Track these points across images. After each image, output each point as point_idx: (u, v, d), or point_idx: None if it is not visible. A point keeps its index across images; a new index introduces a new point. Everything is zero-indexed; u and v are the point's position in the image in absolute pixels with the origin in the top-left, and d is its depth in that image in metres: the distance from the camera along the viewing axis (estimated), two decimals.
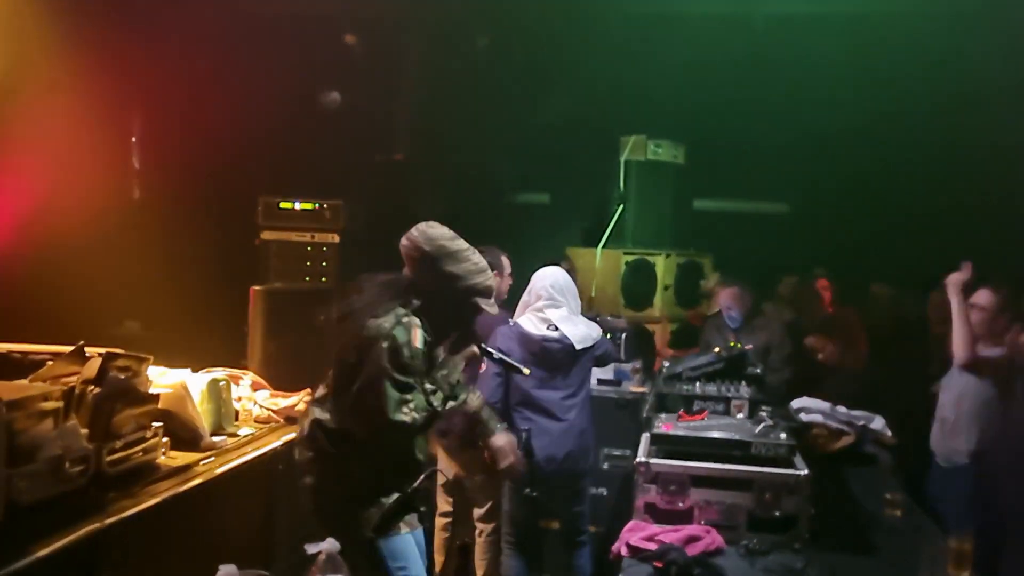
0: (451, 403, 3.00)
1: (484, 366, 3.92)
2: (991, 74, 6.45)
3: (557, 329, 4.18)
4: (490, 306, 3.04)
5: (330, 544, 1.78)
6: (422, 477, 2.53)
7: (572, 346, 4.18)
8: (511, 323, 4.24)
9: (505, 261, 4.71)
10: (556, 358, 4.19)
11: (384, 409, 2.80)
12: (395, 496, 2.92)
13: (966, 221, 6.90)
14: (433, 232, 2.97)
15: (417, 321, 2.89)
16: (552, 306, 4.23)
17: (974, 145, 6.90)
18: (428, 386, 2.93)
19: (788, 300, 7.03)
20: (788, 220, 8.32)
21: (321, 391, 3.08)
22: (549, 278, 4.32)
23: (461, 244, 2.99)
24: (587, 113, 7.47)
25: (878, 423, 4.40)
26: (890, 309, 6.53)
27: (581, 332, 4.24)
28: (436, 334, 2.99)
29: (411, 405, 2.84)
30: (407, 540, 2.96)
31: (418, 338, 2.85)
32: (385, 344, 2.80)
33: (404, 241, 3.00)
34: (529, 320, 4.23)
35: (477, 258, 3.00)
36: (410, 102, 7.12)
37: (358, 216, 5.61)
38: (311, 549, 1.77)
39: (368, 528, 2.86)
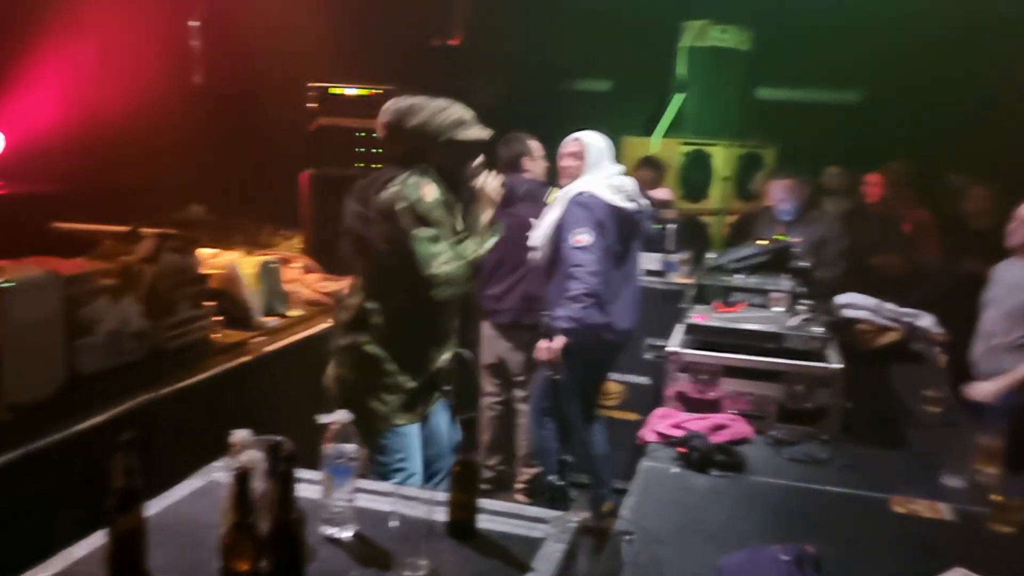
0: (483, 248, 3.06)
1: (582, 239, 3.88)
2: None
3: (634, 200, 4.16)
4: (476, 132, 3.08)
5: (342, 415, 1.87)
6: (447, 357, 2.57)
7: (647, 214, 4.28)
8: (585, 193, 4.09)
9: (533, 145, 4.72)
10: (638, 227, 4.21)
11: (419, 266, 2.86)
12: (420, 380, 3.00)
13: None
14: (388, 105, 3.06)
15: (425, 179, 2.93)
16: (622, 173, 4.20)
17: None
18: (455, 239, 3.00)
19: (838, 191, 6.82)
20: (857, 111, 8.00)
21: (350, 285, 3.16)
22: (604, 142, 4.27)
23: (416, 99, 3.03)
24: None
25: (927, 320, 4.34)
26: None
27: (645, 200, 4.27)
28: (450, 187, 3.04)
29: (443, 258, 2.88)
30: (406, 432, 3.06)
31: (430, 192, 2.90)
32: (399, 207, 2.86)
33: (377, 125, 3.10)
34: (607, 188, 4.09)
35: (437, 102, 3.03)
36: None
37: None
38: (324, 419, 1.87)
39: (385, 418, 2.99)
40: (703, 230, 6.75)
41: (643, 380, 5.04)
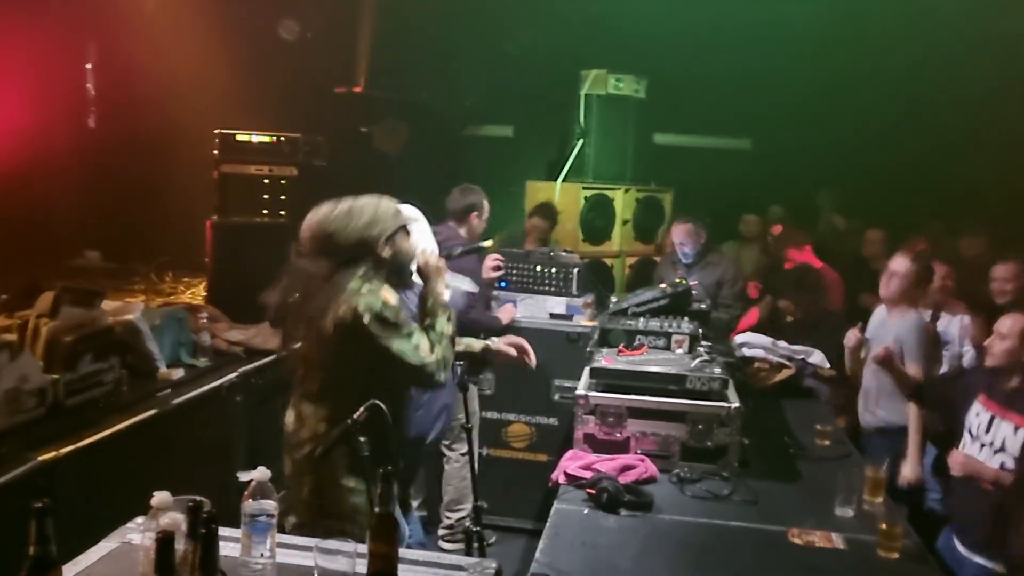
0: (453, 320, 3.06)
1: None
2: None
3: None
4: (407, 215, 3.08)
5: (261, 472, 1.89)
6: (360, 410, 2.58)
7: None
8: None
9: (485, 203, 4.81)
10: None
11: (412, 365, 2.84)
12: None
13: (927, 161, 7.06)
14: (315, 216, 2.96)
15: (372, 282, 2.88)
16: None
17: (935, 84, 7.00)
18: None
19: (754, 239, 7.19)
20: (749, 156, 8.41)
21: (295, 416, 3.01)
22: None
23: (341, 204, 2.95)
24: (550, 46, 7.47)
25: (817, 357, 4.59)
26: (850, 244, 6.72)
27: None
28: (397, 276, 3.03)
29: (425, 347, 2.87)
30: None
31: (390, 295, 2.86)
32: (366, 319, 2.79)
33: (302, 238, 2.98)
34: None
35: (366, 201, 2.97)
36: (370, 33, 7.07)
37: (317, 149, 5.60)
38: (243, 477, 1.88)
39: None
40: (606, 272, 6.94)
41: (551, 421, 5.15)
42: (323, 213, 2.93)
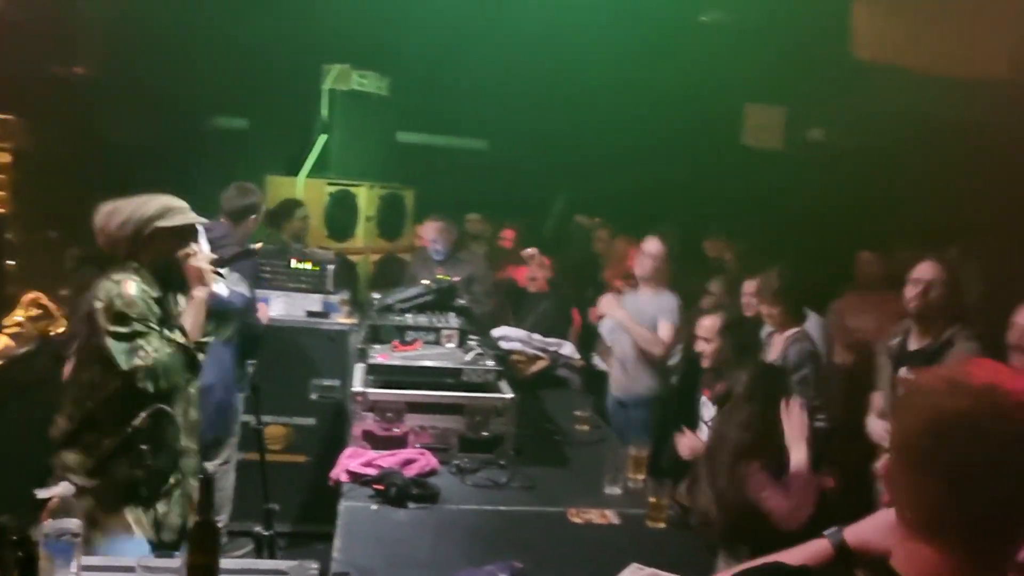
0: (197, 334, 2.96)
1: None
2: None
3: None
4: (182, 218, 2.98)
5: (63, 488, 1.71)
6: (143, 414, 2.40)
7: None
8: None
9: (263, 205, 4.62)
10: None
11: (116, 364, 2.74)
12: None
13: (659, 154, 7.73)
14: (98, 210, 2.96)
15: (128, 274, 2.86)
16: None
17: (668, 88, 7.65)
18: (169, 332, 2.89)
19: (479, 235, 7.44)
20: (488, 156, 8.70)
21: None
22: None
23: (120, 200, 2.96)
24: (290, 37, 7.24)
25: (568, 348, 4.88)
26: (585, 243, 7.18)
27: None
28: (164, 283, 2.96)
29: (147, 348, 2.77)
30: None
31: (131, 287, 2.82)
32: (98, 305, 2.78)
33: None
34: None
35: (139, 198, 2.97)
36: (90, 8, 6.46)
37: (37, 134, 5.04)
38: (42, 494, 1.69)
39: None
40: (351, 269, 6.89)
41: (309, 421, 5.02)
42: (101, 210, 2.90)
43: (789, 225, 6.91)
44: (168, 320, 2.92)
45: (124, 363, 2.73)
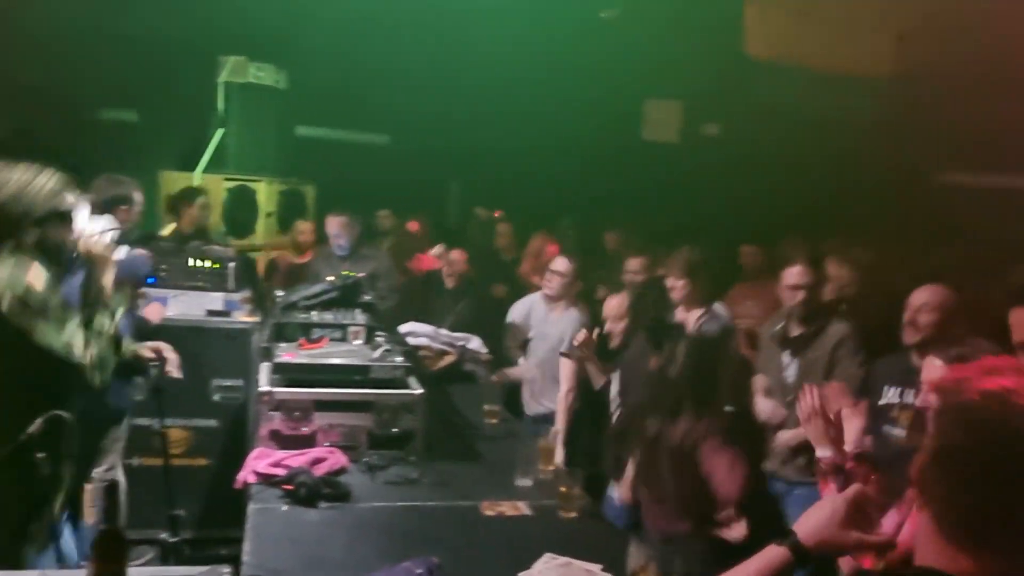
0: (117, 317, 2.78)
1: None
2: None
3: None
4: (71, 199, 2.78)
5: None
6: (39, 421, 2.27)
7: None
8: None
9: (138, 195, 4.39)
10: None
11: (68, 355, 2.56)
12: None
13: (561, 148, 7.81)
14: None
15: (23, 262, 2.59)
16: None
17: (570, 88, 7.73)
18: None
19: (387, 231, 7.38)
20: (390, 150, 8.64)
21: None
22: None
23: None
24: (182, 28, 7.02)
25: (475, 343, 4.89)
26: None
27: None
28: (53, 261, 2.72)
29: (79, 342, 2.60)
30: None
31: (37, 277, 2.57)
32: (5, 302, 2.51)
33: None
34: None
35: (20, 172, 2.68)
36: None
37: None
38: None
39: None
40: (253, 266, 6.73)
41: (211, 423, 4.87)
42: None
43: (687, 217, 7.10)
44: (87, 304, 2.73)
45: (75, 356, 2.54)
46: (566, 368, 4.48)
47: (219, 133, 7.00)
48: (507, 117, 7.94)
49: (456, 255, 5.74)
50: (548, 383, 4.67)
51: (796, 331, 3.96)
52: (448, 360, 4.75)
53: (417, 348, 4.62)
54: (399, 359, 3.65)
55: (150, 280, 4.86)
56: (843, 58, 7.00)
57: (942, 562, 1.28)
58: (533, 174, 7.91)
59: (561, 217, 7.00)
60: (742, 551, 1.55)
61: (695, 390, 2.86)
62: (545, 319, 4.83)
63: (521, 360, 4.95)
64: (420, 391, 3.53)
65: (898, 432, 3.30)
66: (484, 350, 4.90)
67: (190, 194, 5.95)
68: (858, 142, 6.99)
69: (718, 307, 4.35)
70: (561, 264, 4.78)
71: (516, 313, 4.99)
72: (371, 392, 3.48)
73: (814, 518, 1.49)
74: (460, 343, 4.83)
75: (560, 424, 4.45)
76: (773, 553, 1.49)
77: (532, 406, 4.81)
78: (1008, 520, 1.23)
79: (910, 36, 7.18)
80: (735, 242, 6.14)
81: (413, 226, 7.52)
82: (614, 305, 4.04)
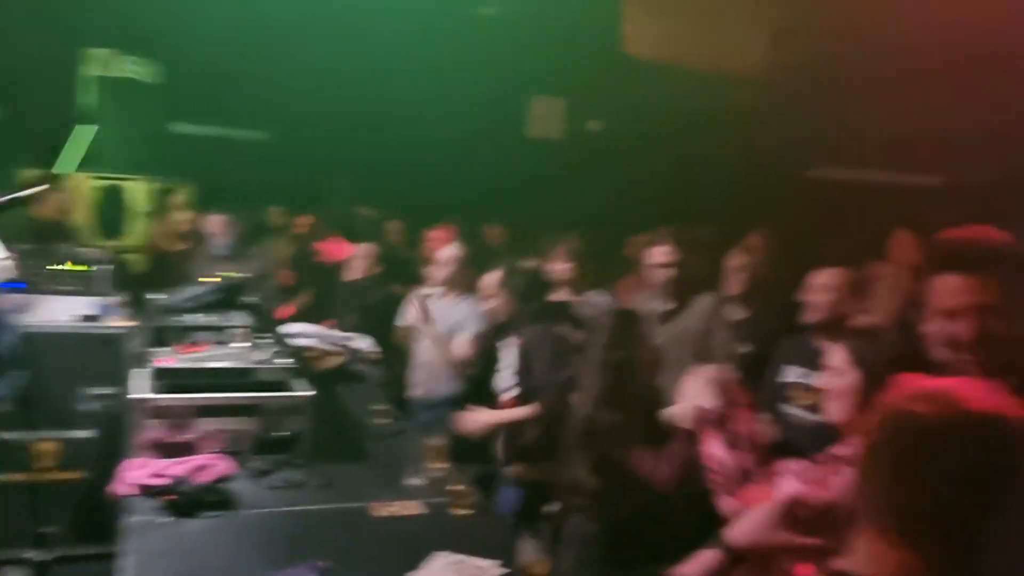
0: None
1: None
2: None
3: None
4: None
5: None
6: None
7: None
8: None
9: None
10: None
11: None
12: None
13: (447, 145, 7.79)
14: None
15: None
16: None
17: (446, 83, 7.70)
18: None
19: (279, 228, 7.22)
20: (268, 149, 8.44)
21: None
22: None
23: None
24: (45, 19, 6.66)
25: (364, 342, 4.82)
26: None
27: None
28: None
29: None
30: None
31: None
32: None
33: None
34: None
35: None
36: None
37: None
38: None
39: None
40: (125, 268, 6.45)
41: (84, 434, 4.63)
42: None
43: (572, 212, 7.20)
44: None
45: None
46: (460, 350, 4.51)
47: (86, 129, 6.67)
48: (392, 115, 7.86)
49: (369, 248, 5.70)
50: (442, 369, 4.67)
51: (666, 307, 4.19)
52: (336, 360, 4.67)
53: (303, 349, 4.54)
54: (283, 360, 3.56)
55: (19, 285, 4.60)
56: (718, 56, 7.23)
57: (875, 557, 1.32)
58: (420, 171, 7.86)
59: (449, 212, 6.97)
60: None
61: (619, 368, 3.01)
62: (439, 308, 4.81)
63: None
64: (307, 393, 3.45)
65: (794, 411, 3.42)
66: (373, 349, 4.84)
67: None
68: (733, 137, 7.24)
69: (601, 296, 4.47)
70: (447, 253, 4.78)
71: (411, 305, 4.96)
72: (255, 396, 3.39)
73: (747, 521, 1.54)
74: (349, 343, 4.75)
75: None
76: (708, 556, 1.54)
77: (423, 390, 4.78)
78: (940, 516, 1.27)
79: (783, 35, 7.49)
80: (619, 234, 6.26)
81: (304, 223, 7.38)
82: (490, 282, 4.12)
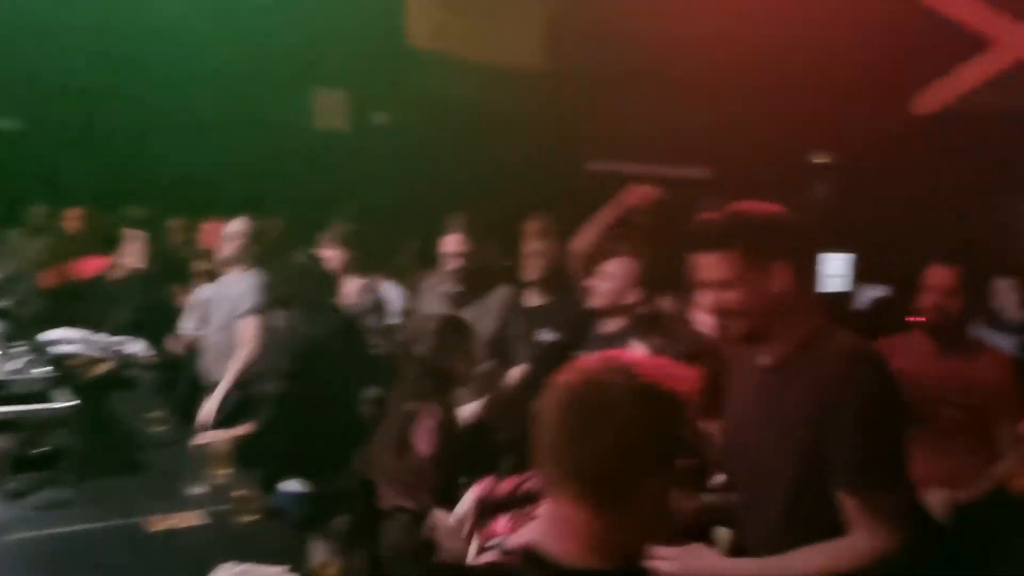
0: None
1: None
2: None
3: None
4: None
5: None
6: None
7: None
8: None
9: None
10: None
11: None
12: None
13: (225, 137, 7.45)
14: None
15: None
16: None
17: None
18: None
19: (44, 228, 6.60)
20: (24, 140, 7.74)
21: None
22: None
23: None
24: None
25: (137, 346, 4.52)
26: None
27: None
28: None
29: None
30: None
31: None
32: None
33: None
34: None
35: None
36: None
37: None
38: None
39: None
40: None
41: None
42: None
43: (358, 203, 7.11)
44: None
45: None
46: (247, 329, 4.32)
47: None
48: (165, 106, 7.43)
49: (134, 246, 5.32)
50: (228, 348, 4.45)
51: (457, 291, 4.23)
52: (106, 367, 4.34)
53: (67, 356, 4.19)
54: (41, 370, 3.27)
55: None
56: (497, 51, 7.38)
57: (557, 521, 1.38)
58: (196, 165, 7.46)
59: (221, 208, 6.66)
60: None
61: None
62: (222, 283, 4.56)
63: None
64: (71, 403, 3.18)
65: None
66: (148, 352, 4.55)
67: None
68: (513, 131, 7.42)
69: (392, 287, 4.52)
70: (236, 224, 4.51)
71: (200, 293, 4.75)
72: (10, 410, 3.08)
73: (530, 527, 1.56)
74: (117, 348, 4.44)
75: (225, 383, 4.28)
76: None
77: (212, 373, 4.53)
78: (612, 476, 1.34)
79: (560, 33, 7.76)
80: (406, 225, 6.23)
81: (73, 223, 6.76)
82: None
